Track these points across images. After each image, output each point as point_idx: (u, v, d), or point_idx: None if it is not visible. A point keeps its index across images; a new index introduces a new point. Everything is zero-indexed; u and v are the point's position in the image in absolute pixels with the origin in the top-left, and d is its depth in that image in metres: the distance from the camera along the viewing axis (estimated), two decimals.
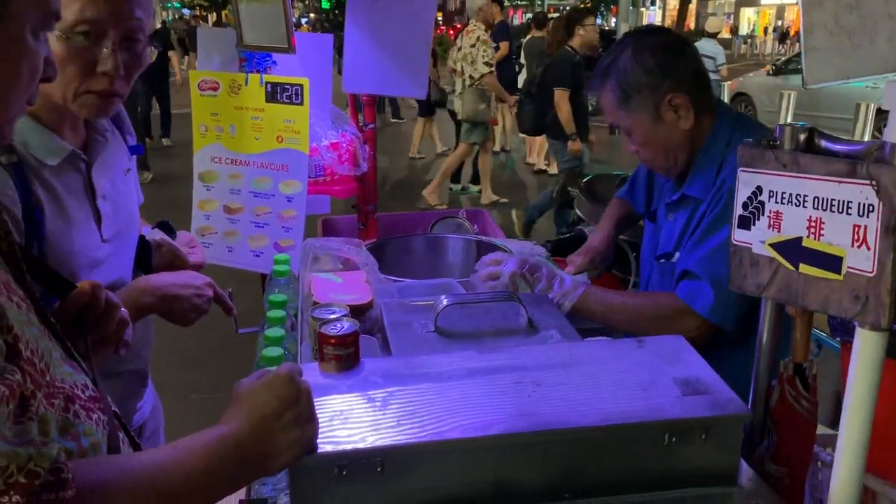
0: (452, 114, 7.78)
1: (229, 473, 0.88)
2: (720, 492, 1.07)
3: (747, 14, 44.39)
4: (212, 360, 3.98)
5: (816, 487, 1.19)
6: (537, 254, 2.08)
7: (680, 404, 1.06)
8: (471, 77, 6.94)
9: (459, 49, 7.11)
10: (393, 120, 12.16)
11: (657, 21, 37.02)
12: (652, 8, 40.60)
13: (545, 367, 1.17)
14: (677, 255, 1.67)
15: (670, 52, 1.60)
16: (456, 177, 8.07)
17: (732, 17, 42.56)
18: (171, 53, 10.95)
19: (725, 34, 24.94)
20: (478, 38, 6.93)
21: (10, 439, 0.70)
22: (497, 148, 10.04)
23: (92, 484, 0.74)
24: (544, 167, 9.03)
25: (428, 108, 9.43)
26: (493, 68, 6.95)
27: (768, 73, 11.59)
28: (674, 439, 1.04)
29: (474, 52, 6.91)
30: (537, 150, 9.26)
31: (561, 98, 5.57)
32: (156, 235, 1.53)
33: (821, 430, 1.23)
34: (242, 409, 0.92)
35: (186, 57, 14.16)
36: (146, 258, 1.56)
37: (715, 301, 1.51)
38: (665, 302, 1.60)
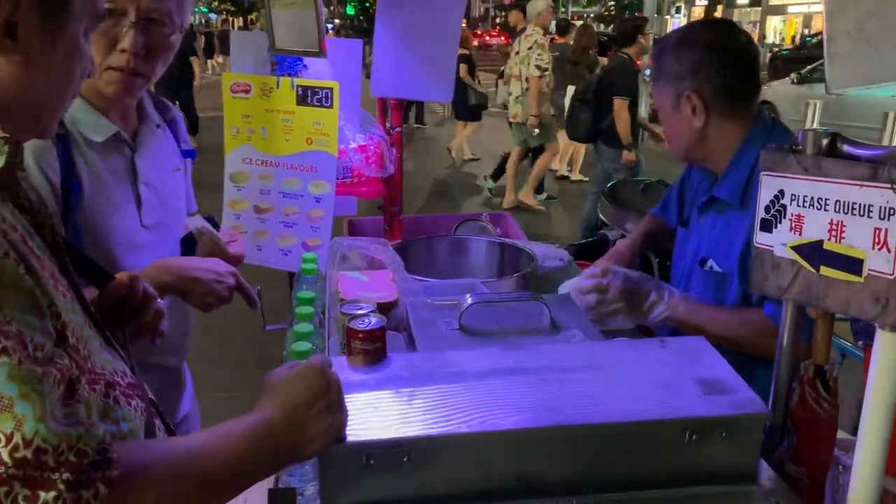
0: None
1: (263, 459, 0.91)
2: (739, 490, 1.09)
3: (774, 23, 44.03)
4: (237, 359, 4.03)
5: (837, 492, 1.21)
6: (560, 257, 2.11)
7: (701, 403, 1.08)
8: (527, 80, 7.00)
9: (517, 53, 7.19)
10: (416, 125, 12.19)
11: None
12: (677, 16, 40.45)
13: (568, 364, 1.19)
14: (712, 262, 1.68)
15: (709, 53, 1.62)
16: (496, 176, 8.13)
17: (759, 25, 42.23)
18: (191, 59, 11.11)
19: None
20: (535, 42, 7.01)
21: (61, 420, 0.73)
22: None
23: (134, 465, 0.77)
24: (566, 173, 9.03)
25: (470, 113, 9.51)
26: (543, 73, 7.02)
27: (792, 82, 11.50)
28: (694, 437, 1.06)
29: (531, 56, 6.96)
30: (560, 156, 9.27)
31: (621, 107, 5.55)
32: (197, 223, 1.58)
33: (844, 435, 1.24)
34: (275, 398, 0.95)
35: (210, 61, 14.35)
36: (190, 253, 1.61)
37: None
38: (756, 321, 1.57)
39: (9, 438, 0.68)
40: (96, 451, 0.73)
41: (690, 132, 1.66)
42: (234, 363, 4.03)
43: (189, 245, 1.62)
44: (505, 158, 7.91)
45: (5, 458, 0.68)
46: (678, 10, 40.84)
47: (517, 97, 7.21)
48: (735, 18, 37.80)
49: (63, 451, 0.71)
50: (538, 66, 6.99)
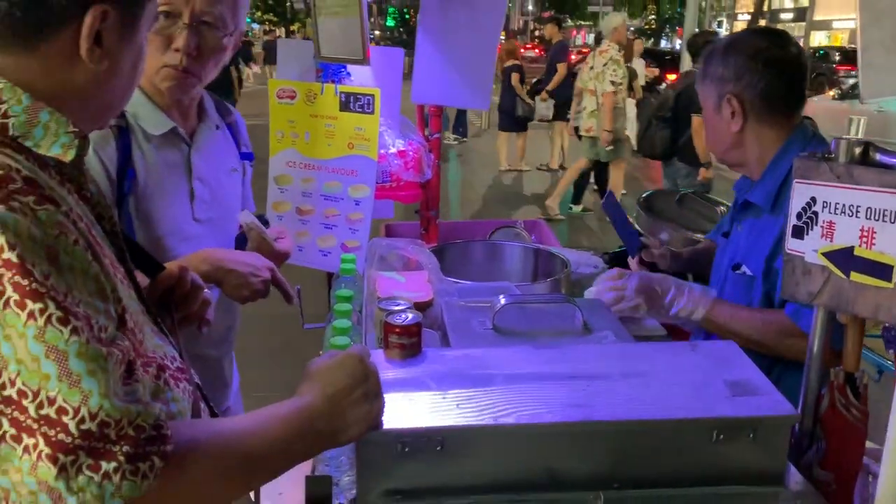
0: (576, 129, 7.91)
1: (303, 442, 0.95)
2: (766, 491, 1.10)
3: (819, 37, 43.34)
4: (274, 360, 4.10)
5: (867, 500, 1.21)
6: (594, 264, 2.14)
7: (729, 403, 1.10)
8: (601, 95, 7.09)
9: (592, 68, 7.23)
10: (452, 135, 12.19)
11: None
12: (719, 30, 40.08)
13: (598, 363, 1.22)
14: (744, 267, 1.70)
15: (753, 61, 1.65)
16: (577, 196, 8.15)
17: (803, 40, 41.62)
18: (243, 67, 11.35)
19: None
20: (610, 58, 7.04)
21: (121, 397, 0.77)
22: (555, 166, 10.11)
23: (186, 442, 0.81)
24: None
25: (517, 123, 9.60)
26: (617, 88, 7.06)
27: (833, 98, 11.37)
28: (721, 436, 1.08)
29: (605, 71, 7.03)
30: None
31: (700, 125, 5.51)
32: (247, 218, 1.63)
33: (875, 445, 1.25)
34: (316, 385, 0.99)
35: (247, 69, 14.66)
36: (244, 247, 1.68)
37: None
38: (779, 321, 1.58)
39: (76, 411, 0.73)
40: (152, 427, 0.78)
41: (728, 135, 1.70)
42: (270, 363, 4.10)
43: (242, 243, 1.69)
44: (582, 177, 7.93)
45: (72, 429, 0.73)
46: (720, 25, 40.48)
47: (592, 111, 7.26)
48: None
49: (123, 425, 0.76)
50: (612, 82, 7.01)
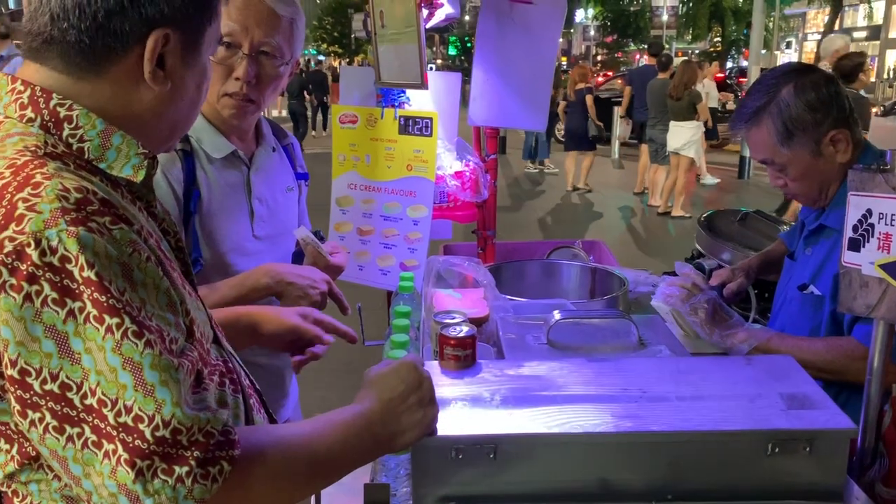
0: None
1: (362, 447, 0.99)
2: None
3: (894, 57, 41.89)
4: (331, 381, 4.17)
5: None
6: (652, 283, 2.13)
7: (784, 416, 1.09)
8: None
9: None
10: (538, 162, 12.05)
11: None
12: (787, 51, 39.17)
13: (652, 377, 1.23)
14: (812, 287, 1.67)
15: (832, 87, 1.62)
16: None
17: (877, 59, 40.29)
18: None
19: (873, 77, 23.72)
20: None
21: (192, 405, 0.82)
22: (640, 189, 10.12)
23: (252, 447, 0.85)
24: (668, 210, 8.88)
25: (588, 143, 9.86)
26: None
27: (876, 114, 11.14)
28: (777, 450, 1.07)
29: None
30: (659, 191, 9.15)
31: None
32: (302, 233, 1.71)
33: None
34: (373, 392, 1.03)
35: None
36: (300, 262, 1.76)
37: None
38: (847, 347, 1.55)
39: (151, 419, 0.78)
40: (221, 433, 0.82)
41: (835, 171, 1.62)
42: (327, 385, 4.18)
43: (299, 258, 1.76)
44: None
45: (148, 436, 0.77)
46: (788, 46, 39.56)
47: None
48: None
49: (194, 432, 0.80)
50: None
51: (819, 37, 27.79)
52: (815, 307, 1.66)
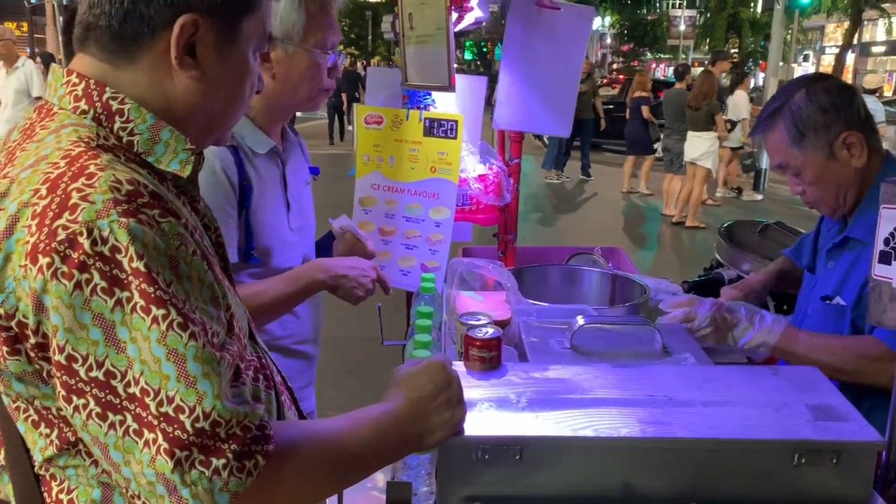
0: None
1: (391, 444, 1.00)
2: None
3: None
4: (346, 381, 4.19)
5: None
6: (672, 291, 2.13)
7: (811, 427, 1.10)
8: None
9: None
10: (581, 177, 11.91)
11: None
12: (805, 64, 38.99)
13: (678, 384, 1.23)
14: (838, 298, 1.67)
15: (845, 92, 1.64)
16: None
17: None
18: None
19: (887, 91, 23.54)
20: None
21: (231, 399, 0.83)
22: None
23: (285, 442, 0.86)
24: (682, 219, 8.86)
25: (646, 146, 10.14)
26: None
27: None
28: (803, 460, 1.07)
29: None
30: (674, 201, 9.14)
31: None
32: (342, 222, 1.82)
33: None
34: (402, 390, 1.04)
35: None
36: (328, 250, 1.87)
37: None
38: (868, 344, 1.56)
39: (192, 410, 0.79)
40: (257, 427, 0.83)
41: (851, 176, 1.63)
42: (341, 385, 4.19)
43: (321, 248, 1.86)
44: None
45: (188, 427, 0.79)
46: (806, 59, 39.38)
47: None
48: (869, 67, 36.04)
49: (232, 425, 0.81)
50: None
51: (837, 50, 27.65)
52: (837, 317, 1.66)
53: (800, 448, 1.07)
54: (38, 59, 7.90)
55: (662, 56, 39.77)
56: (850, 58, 28.23)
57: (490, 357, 1.29)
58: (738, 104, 9.44)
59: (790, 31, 21.54)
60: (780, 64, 12.89)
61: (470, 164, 2.25)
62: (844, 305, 1.63)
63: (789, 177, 1.72)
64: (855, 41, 26.93)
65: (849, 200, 1.67)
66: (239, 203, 1.57)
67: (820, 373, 1.26)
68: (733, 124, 9.39)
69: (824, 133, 1.62)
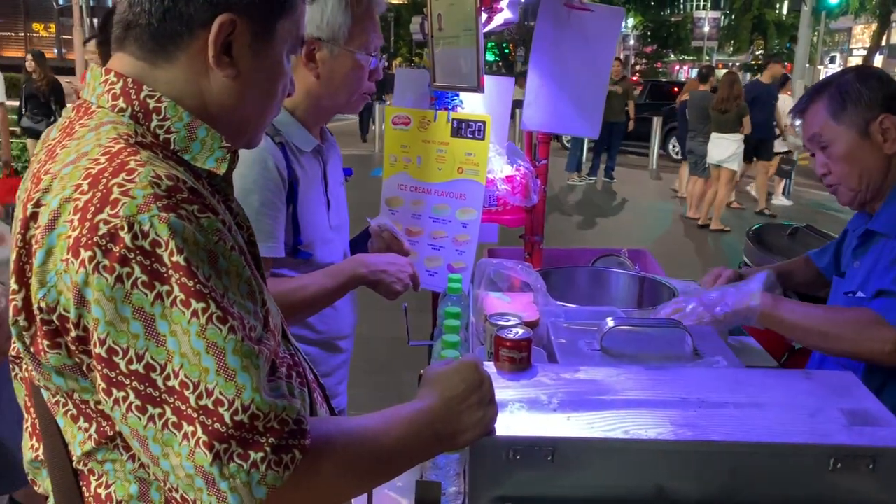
0: None
1: (424, 443, 1.00)
2: None
3: None
4: (368, 380, 4.21)
5: None
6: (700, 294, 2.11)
7: (846, 432, 1.08)
8: None
9: None
10: (604, 178, 11.75)
11: None
12: (831, 66, 38.53)
13: (710, 387, 1.22)
14: (860, 292, 1.66)
15: (892, 82, 1.67)
16: None
17: None
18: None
19: None
20: None
21: (268, 393, 0.84)
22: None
23: (321, 437, 0.87)
24: (707, 222, 8.79)
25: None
26: None
27: None
28: (839, 465, 1.06)
29: None
30: (696, 203, 9.06)
31: None
32: (381, 220, 1.87)
33: None
34: (435, 389, 1.04)
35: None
36: (363, 249, 1.91)
37: None
38: (860, 314, 1.57)
39: (231, 403, 0.79)
40: (294, 422, 0.83)
41: (879, 161, 1.64)
42: (364, 384, 4.21)
43: (360, 242, 1.91)
44: None
45: (227, 419, 0.79)
46: (832, 61, 38.91)
47: None
48: None
49: (270, 419, 0.81)
50: None
51: (865, 52, 27.27)
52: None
53: (836, 453, 1.05)
54: (30, 57, 7.94)
55: (686, 58, 39.46)
56: (879, 60, 27.82)
57: (520, 358, 1.29)
58: (780, 108, 9.26)
59: (817, 33, 21.28)
60: (807, 66, 12.73)
61: (497, 165, 2.25)
62: (864, 297, 1.62)
63: (818, 153, 1.73)
64: (883, 43, 26.53)
65: (871, 186, 1.67)
66: (287, 198, 1.61)
67: (854, 377, 1.25)
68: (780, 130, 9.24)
69: (865, 110, 1.63)
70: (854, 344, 1.52)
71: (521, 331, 1.31)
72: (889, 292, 1.54)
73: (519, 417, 1.13)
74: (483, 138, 2.11)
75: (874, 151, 1.64)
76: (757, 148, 8.99)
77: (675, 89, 14.09)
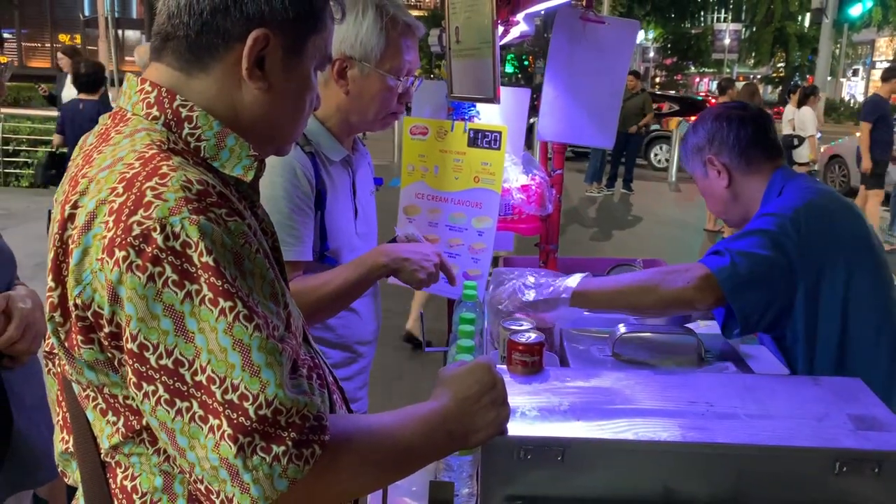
0: None
1: (438, 442, 1.02)
2: None
3: None
4: (387, 388, 4.24)
5: None
6: None
7: (853, 436, 1.10)
8: None
9: None
10: (623, 190, 11.70)
11: (860, 92, 34.72)
12: (854, 79, 38.22)
13: (719, 391, 1.24)
14: None
15: (722, 121, 1.78)
16: None
17: None
18: None
19: None
20: None
21: (291, 389, 0.87)
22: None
23: (340, 433, 0.90)
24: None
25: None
26: None
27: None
28: (844, 469, 1.08)
29: None
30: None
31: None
32: (408, 230, 1.88)
33: None
34: (449, 390, 1.06)
35: None
36: None
37: (729, 267, 1.53)
38: (679, 265, 1.65)
39: (255, 398, 0.83)
40: (315, 418, 0.87)
41: (722, 191, 1.80)
42: (381, 391, 4.24)
43: None
44: None
45: (252, 414, 0.82)
46: (855, 73, 38.62)
47: None
48: None
49: (292, 414, 0.85)
50: None
51: (888, 65, 27.05)
52: None
53: (841, 457, 1.07)
54: (61, 55, 8.09)
55: (706, 70, 39.33)
56: None
57: (532, 361, 1.32)
58: (806, 120, 9.14)
59: (839, 46, 21.13)
60: (829, 78, 12.63)
61: (513, 175, 2.28)
62: None
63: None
64: None
65: (732, 213, 1.84)
66: (315, 206, 1.66)
67: (862, 383, 1.27)
68: (800, 140, 9.14)
69: (698, 154, 1.84)
70: (665, 285, 1.56)
71: (533, 335, 1.34)
72: (719, 251, 1.60)
73: (530, 419, 1.16)
74: (499, 148, 2.14)
75: (715, 184, 1.80)
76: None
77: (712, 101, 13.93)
